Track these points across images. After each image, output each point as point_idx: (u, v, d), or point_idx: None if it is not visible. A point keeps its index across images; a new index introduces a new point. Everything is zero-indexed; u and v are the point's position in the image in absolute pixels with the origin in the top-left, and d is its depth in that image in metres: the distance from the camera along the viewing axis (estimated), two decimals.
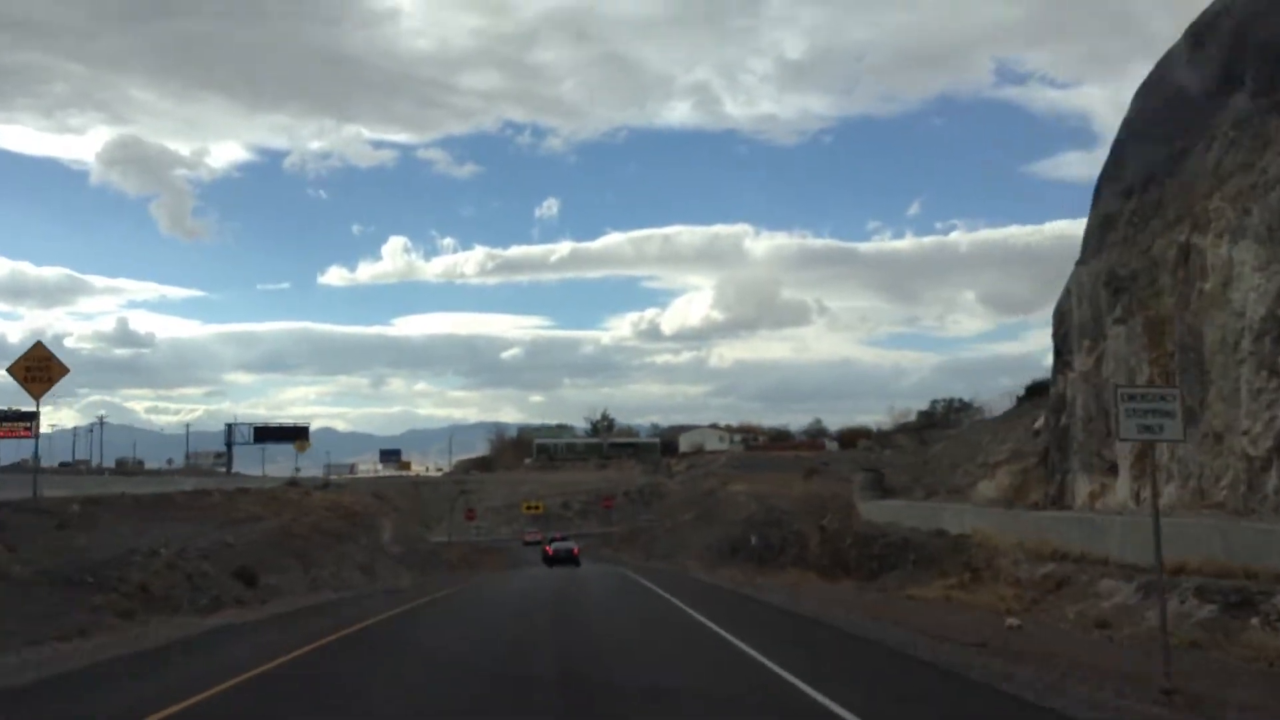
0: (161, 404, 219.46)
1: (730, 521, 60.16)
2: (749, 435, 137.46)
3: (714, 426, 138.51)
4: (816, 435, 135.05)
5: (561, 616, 21.43)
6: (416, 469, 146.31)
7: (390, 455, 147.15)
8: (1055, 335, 31.40)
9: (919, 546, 30.71)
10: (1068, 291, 30.60)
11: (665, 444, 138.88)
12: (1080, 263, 29.94)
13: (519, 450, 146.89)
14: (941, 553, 28.24)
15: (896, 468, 53.29)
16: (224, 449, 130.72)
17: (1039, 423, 34.15)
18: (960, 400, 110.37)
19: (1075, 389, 28.85)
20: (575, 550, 64.23)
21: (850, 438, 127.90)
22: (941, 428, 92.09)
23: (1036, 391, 42.91)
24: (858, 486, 41.49)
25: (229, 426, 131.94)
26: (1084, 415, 28.02)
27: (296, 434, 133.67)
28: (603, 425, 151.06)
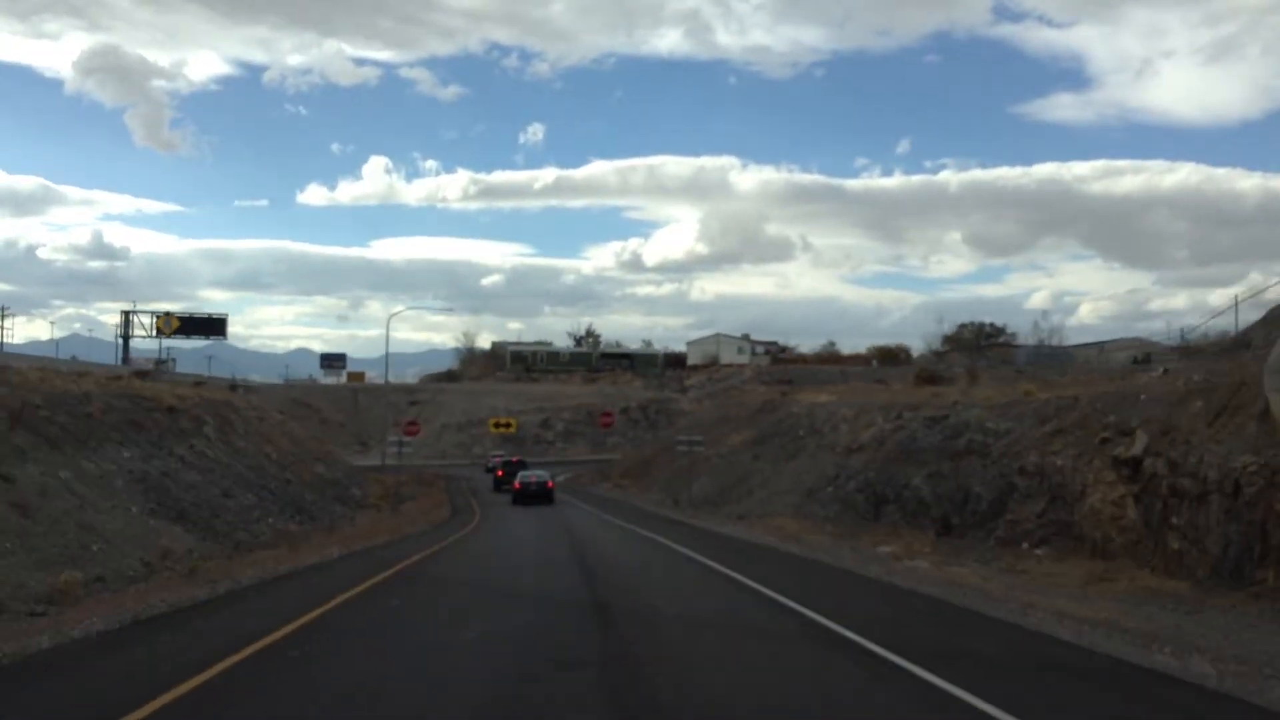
0: (134, 318, 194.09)
1: (833, 448, 34.50)
2: (774, 346, 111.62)
3: (728, 335, 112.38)
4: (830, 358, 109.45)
5: None
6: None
7: (334, 360, 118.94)
8: None
9: None
10: None
11: (670, 358, 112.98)
12: None
13: (492, 364, 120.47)
14: None
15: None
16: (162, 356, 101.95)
17: None
18: (992, 325, 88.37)
19: None
20: (550, 484, 48.13)
21: (888, 355, 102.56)
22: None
23: None
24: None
25: (125, 315, 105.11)
26: None
27: (212, 326, 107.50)
28: (589, 342, 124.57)
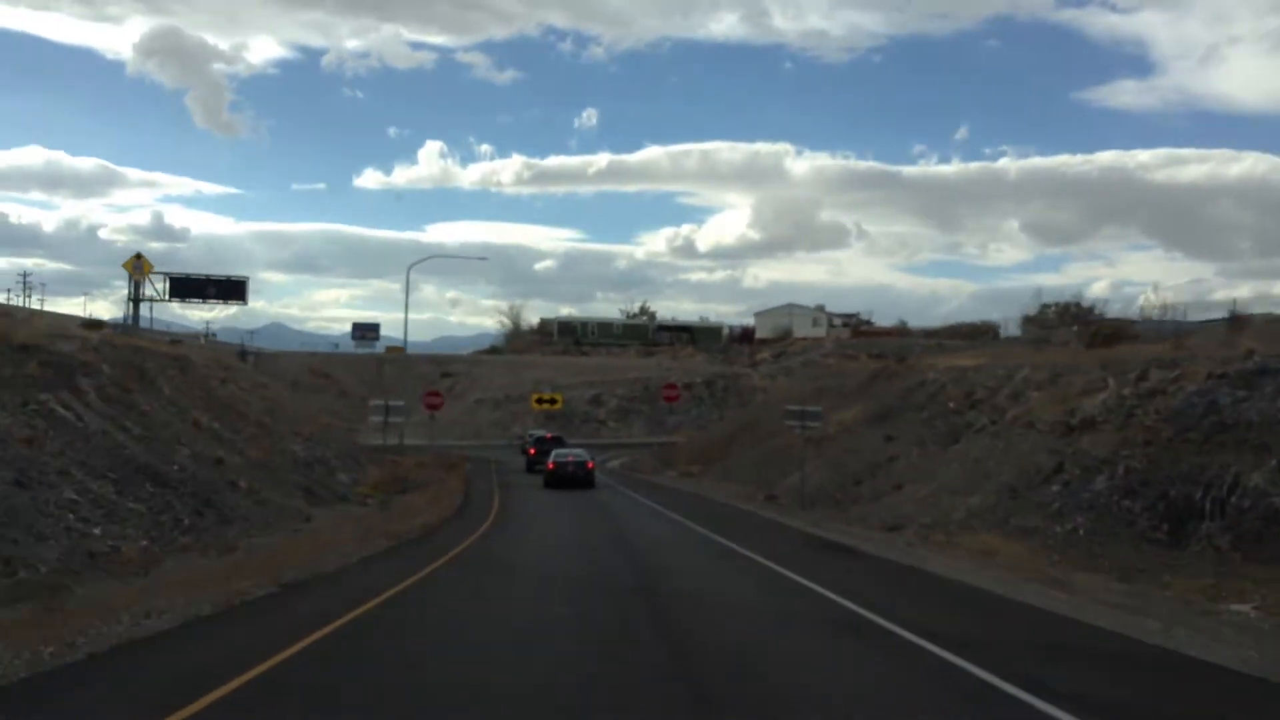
0: (195, 300, 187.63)
1: (1032, 425, 22.70)
2: (851, 319, 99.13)
3: (801, 306, 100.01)
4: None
5: None
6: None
7: (367, 330, 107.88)
8: None
9: None
10: None
11: (736, 332, 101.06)
12: None
13: (538, 340, 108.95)
14: None
15: None
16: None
17: None
18: (1077, 305, 75.96)
19: None
20: (589, 464, 39.18)
21: (976, 332, 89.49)
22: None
23: None
24: None
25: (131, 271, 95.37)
26: None
27: (231, 289, 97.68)
28: (645, 316, 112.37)
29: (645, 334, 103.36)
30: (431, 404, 51.50)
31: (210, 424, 27.02)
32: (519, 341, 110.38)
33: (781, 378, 76.57)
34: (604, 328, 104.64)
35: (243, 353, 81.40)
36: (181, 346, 44.08)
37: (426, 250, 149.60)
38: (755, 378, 77.88)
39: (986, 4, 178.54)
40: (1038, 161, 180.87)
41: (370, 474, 39.11)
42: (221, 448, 25.19)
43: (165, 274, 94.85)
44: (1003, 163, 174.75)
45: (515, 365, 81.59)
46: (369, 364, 79.76)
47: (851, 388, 42.04)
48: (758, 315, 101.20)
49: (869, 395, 37.30)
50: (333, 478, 32.64)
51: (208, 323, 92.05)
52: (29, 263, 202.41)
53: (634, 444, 67.08)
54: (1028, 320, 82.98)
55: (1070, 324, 71.90)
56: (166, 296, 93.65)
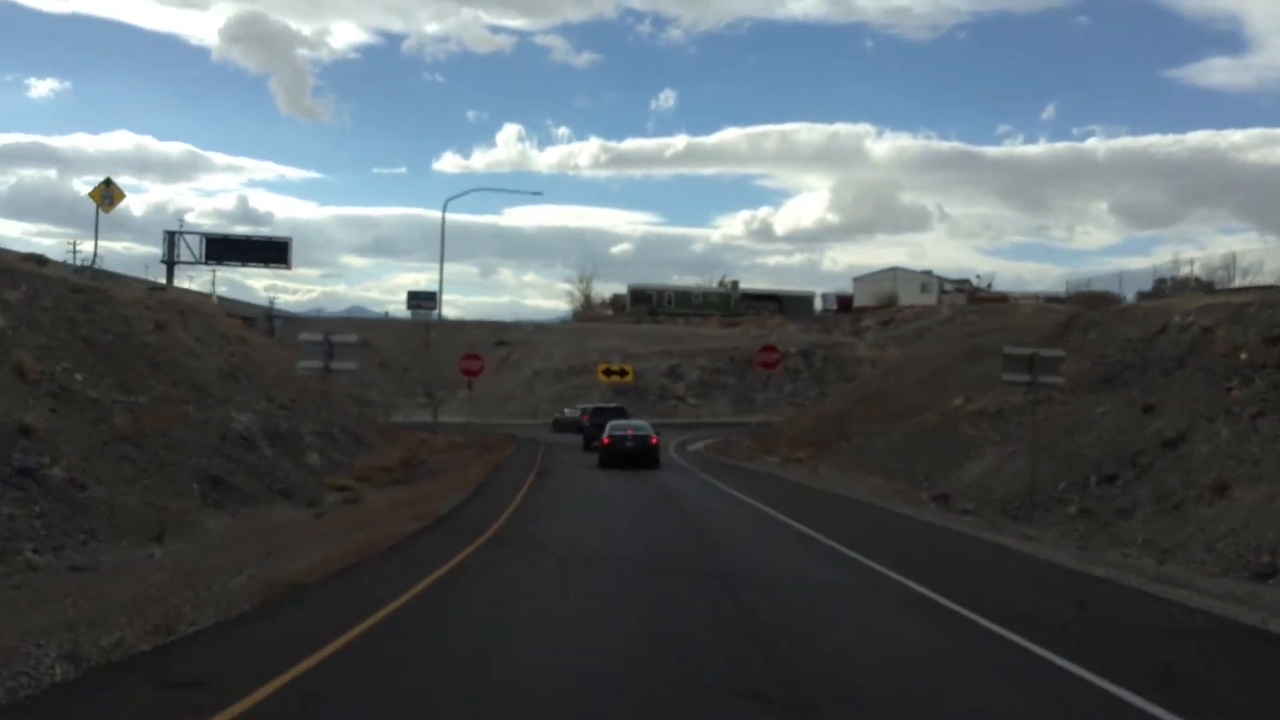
0: (280, 282, 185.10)
1: None
2: (964, 285, 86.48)
3: (908, 270, 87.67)
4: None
5: None
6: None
7: (423, 300, 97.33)
8: None
9: None
10: None
11: (835, 300, 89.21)
12: None
13: (612, 314, 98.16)
14: None
15: None
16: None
17: None
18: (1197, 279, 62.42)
19: None
20: (653, 440, 31.20)
21: (1094, 300, 76.24)
22: None
23: None
24: None
25: (169, 235, 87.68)
26: None
27: (272, 251, 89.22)
28: (727, 285, 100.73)
29: (728, 303, 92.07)
30: (469, 370, 41.20)
31: (62, 374, 16.90)
32: (589, 315, 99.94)
33: (892, 347, 64.91)
34: (682, 297, 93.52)
35: (269, 316, 72.48)
36: (160, 294, 34.79)
37: (503, 234, 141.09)
38: (860, 347, 66.32)
39: None
40: (1127, 142, 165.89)
41: (370, 458, 29.00)
42: (49, 409, 15.01)
43: (202, 234, 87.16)
44: (1091, 143, 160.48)
45: (580, 333, 71.14)
46: (416, 333, 70.04)
47: (1032, 344, 30.55)
48: (857, 281, 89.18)
49: (1072, 351, 25.80)
50: (295, 460, 22.43)
51: (271, 300, 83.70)
52: (118, 246, 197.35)
53: (717, 424, 56.21)
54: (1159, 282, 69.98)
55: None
56: (203, 258, 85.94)
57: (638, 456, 29.88)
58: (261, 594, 9.01)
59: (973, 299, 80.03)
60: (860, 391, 38.18)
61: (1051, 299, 78.27)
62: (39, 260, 32.41)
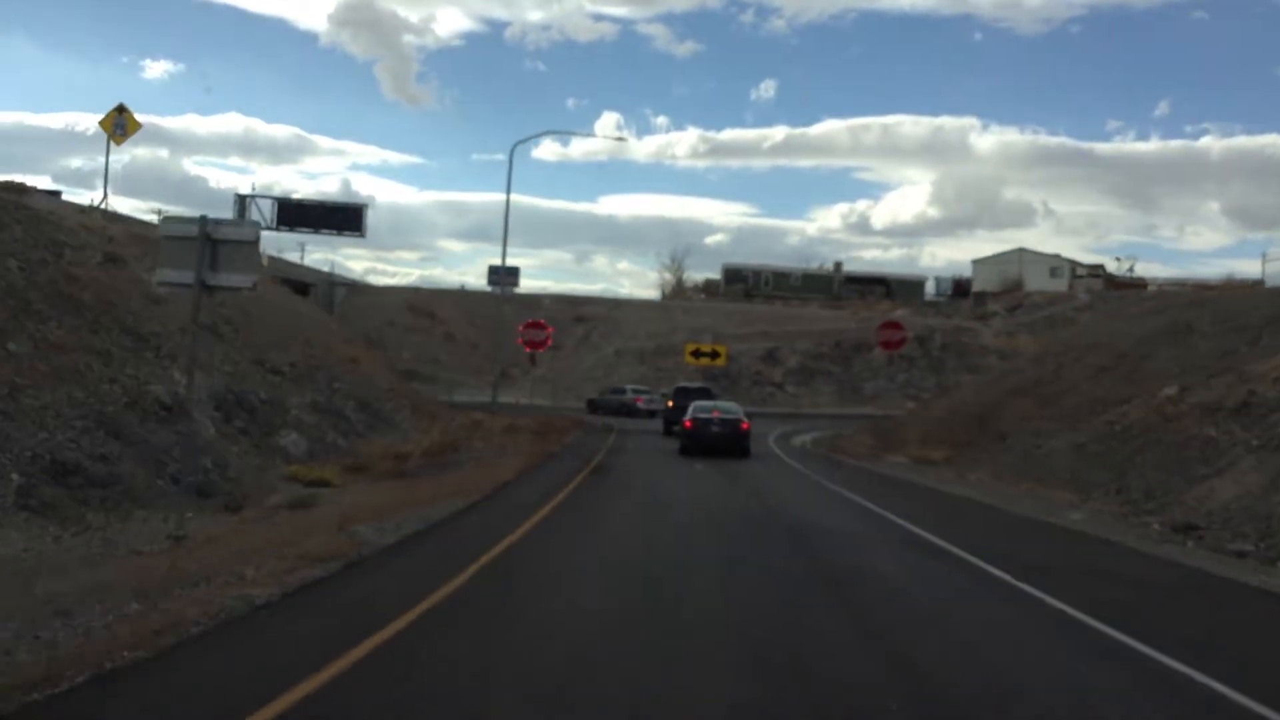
0: (379, 265, 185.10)
1: None
2: (1098, 270, 77.14)
3: (1035, 253, 78.62)
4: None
5: None
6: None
7: (506, 275, 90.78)
8: None
9: None
10: None
11: (950, 284, 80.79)
12: None
13: (705, 295, 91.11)
14: None
15: None
16: None
17: None
18: None
19: None
20: (744, 425, 26.28)
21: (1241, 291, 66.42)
22: None
23: None
24: None
25: (240, 199, 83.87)
26: None
27: (346, 218, 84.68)
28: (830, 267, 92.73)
29: (830, 285, 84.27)
30: (532, 341, 34.98)
31: None
32: (683, 296, 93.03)
33: (1023, 334, 56.81)
34: (780, 278, 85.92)
35: (330, 282, 67.57)
36: (137, 228, 29.48)
37: (599, 222, 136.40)
38: (985, 334, 58.29)
39: None
40: (1243, 141, 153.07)
41: (389, 439, 22.99)
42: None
43: (273, 198, 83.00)
44: (1204, 141, 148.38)
45: (669, 310, 64.49)
46: (487, 304, 64.29)
47: (1254, 322, 22.92)
48: (976, 264, 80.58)
49: None
50: (256, 441, 16.33)
51: (332, 266, 78.64)
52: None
53: (820, 415, 49.08)
54: None
55: None
56: (274, 225, 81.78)
57: (726, 443, 25.39)
58: None
59: (1110, 284, 71.09)
60: (1011, 381, 30.65)
61: (1202, 286, 69.08)
62: (19, 189, 27.04)
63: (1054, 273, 74.96)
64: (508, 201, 40.02)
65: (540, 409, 42.37)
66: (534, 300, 62.53)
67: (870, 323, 60.95)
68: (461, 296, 66.05)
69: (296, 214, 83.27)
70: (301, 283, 60.59)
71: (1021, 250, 78.21)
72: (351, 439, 21.71)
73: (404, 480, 16.46)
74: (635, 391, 49.65)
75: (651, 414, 44.55)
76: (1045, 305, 63.34)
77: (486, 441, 26.02)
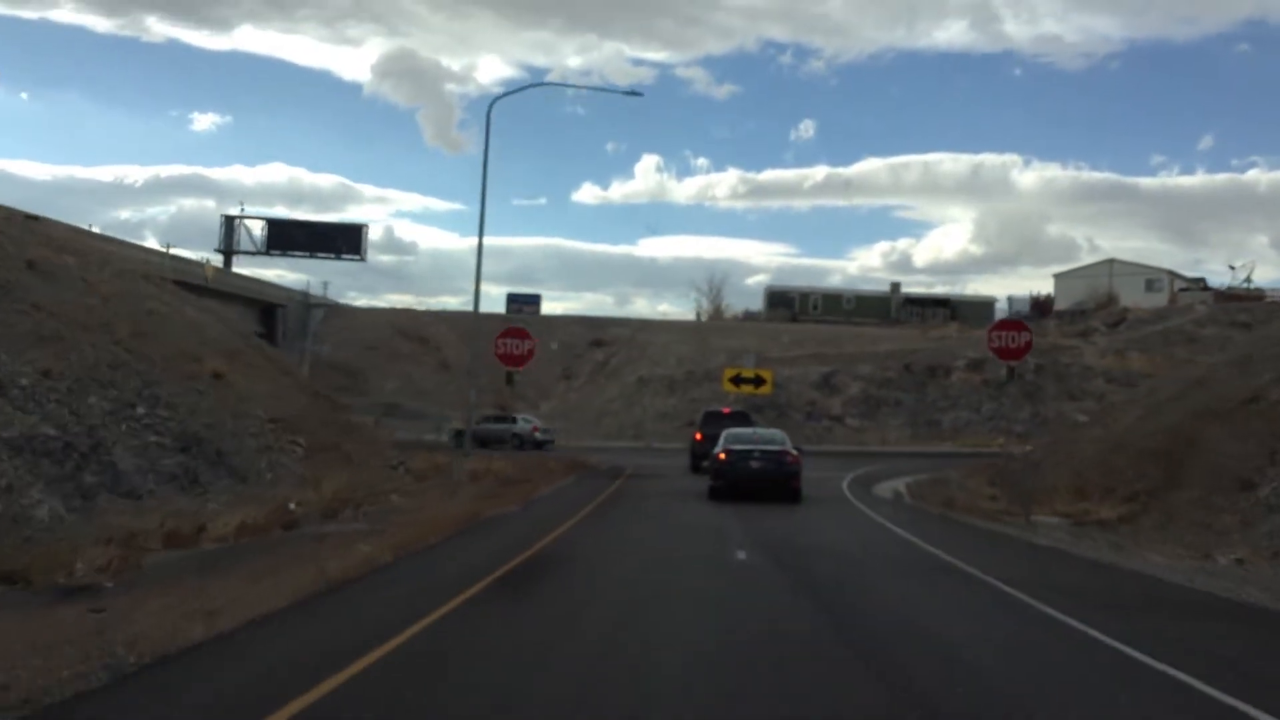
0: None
1: None
2: (1199, 284, 66.72)
3: (1128, 264, 68.30)
4: None
5: None
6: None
7: (525, 302, 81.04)
8: None
9: None
10: None
11: (1028, 301, 70.70)
12: None
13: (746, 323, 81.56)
14: None
15: None
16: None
17: None
18: None
19: None
20: (790, 458, 20.18)
21: None
22: None
23: None
24: None
25: (226, 219, 76.27)
26: None
27: (344, 239, 76.51)
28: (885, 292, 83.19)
29: (887, 308, 74.51)
30: (511, 354, 25.65)
31: None
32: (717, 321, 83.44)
33: (1133, 353, 46.84)
34: (831, 300, 76.26)
35: (306, 303, 59.03)
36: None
37: (638, 264, 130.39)
38: (1089, 353, 48.25)
39: (1236, 7, 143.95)
40: None
41: (244, 493, 13.70)
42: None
43: (264, 219, 74.92)
44: (1251, 174, 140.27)
45: (702, 332, 54.99)
46: (493, 324, 55.26)
47: None
48: (1058, 278, 70.46)
49: None
50: None
51: (308, 284, 70.32)
52: (270, 274, 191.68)
53: (892, 454, 39.33)
54: None
55: None
56: (265, 248, 73.61)
57: (768, 482, 19.93)
58: None
59: (1222, 297, 60.78)
60: (1197, 399, 20.81)
61: None
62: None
63: (1151, 285, 64.70)
64: (484, 180, 31.09)
65: (549, 452, 33.22)
66: (546, 322, 53.45)
67: (945, 341, 51.19)
68: (459, 318, 57.06)
69: (288, 236, 75.33)
70: (265, 302, 52.02)
71: (1112, 261, 68.02)
72: (144, 497, 12.55)
73: (190, 578, 7.26)
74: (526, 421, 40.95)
75: (539, 445, 38.44)
76: (1154, 320, 53.23)
77: (409, 497, 16.74)
